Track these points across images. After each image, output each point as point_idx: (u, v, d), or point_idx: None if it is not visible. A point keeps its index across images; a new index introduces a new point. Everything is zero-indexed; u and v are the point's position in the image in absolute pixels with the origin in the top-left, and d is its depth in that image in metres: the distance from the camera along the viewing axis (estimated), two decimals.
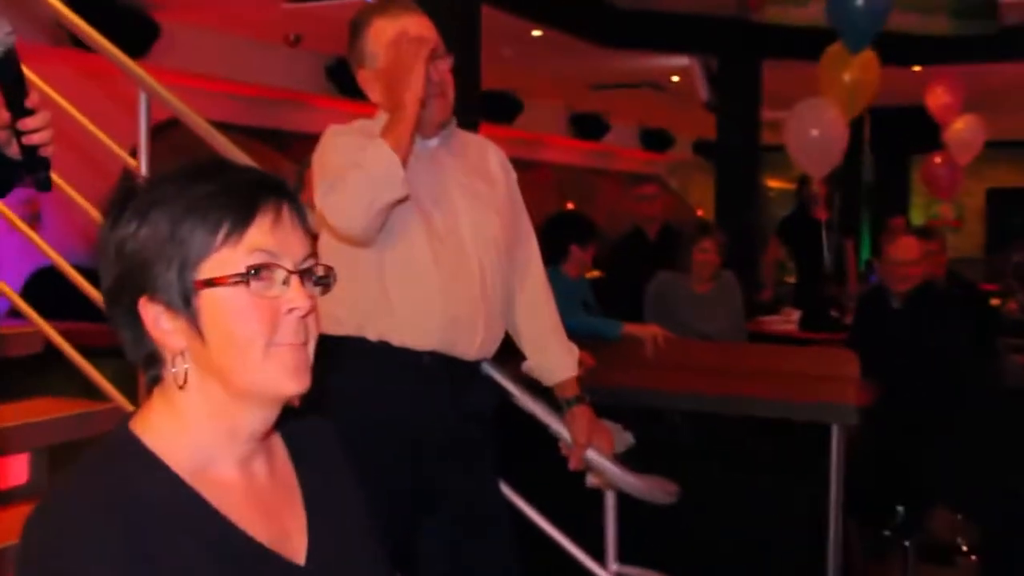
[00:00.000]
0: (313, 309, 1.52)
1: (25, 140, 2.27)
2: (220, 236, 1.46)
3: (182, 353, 1.49)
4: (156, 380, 1.55)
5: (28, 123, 2.26)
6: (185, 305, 1.46)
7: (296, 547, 1.59)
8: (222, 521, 1.49)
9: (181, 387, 1.50)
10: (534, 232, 3.20)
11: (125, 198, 1.50)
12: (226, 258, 1.46)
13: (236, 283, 1.45)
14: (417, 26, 2.91)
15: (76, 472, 1.46)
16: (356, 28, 2.98)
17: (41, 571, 1.39)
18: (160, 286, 1.46)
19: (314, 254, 1.54)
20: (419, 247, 2.82)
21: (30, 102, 2.26)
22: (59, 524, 1.39)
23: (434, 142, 2.98)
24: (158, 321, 1.48)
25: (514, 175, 3.15)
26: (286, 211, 1.51)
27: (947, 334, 5.50)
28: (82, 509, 1.39)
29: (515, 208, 3.11)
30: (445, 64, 2.93)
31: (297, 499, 1.65)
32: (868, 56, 7.79)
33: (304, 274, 1.51)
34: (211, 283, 1.46)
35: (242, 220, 1.47)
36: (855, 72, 7.78)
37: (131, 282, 1.48)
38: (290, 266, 1.49)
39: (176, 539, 1.43)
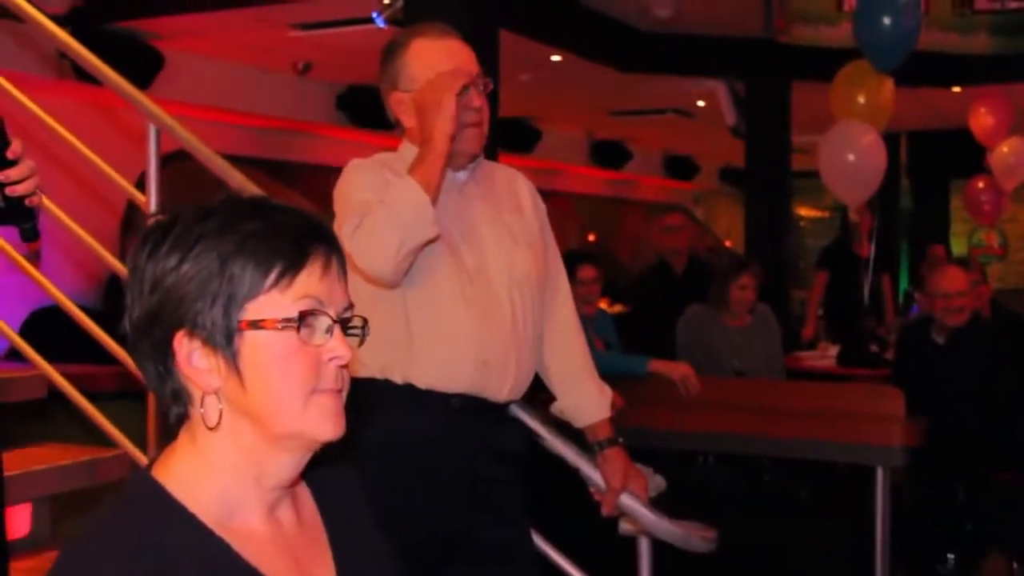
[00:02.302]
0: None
1: (8, 191, 2.29)
2: (271, 278, 1.47)
3: (215, 393, 1.49)
4: (180, 419, 1.55)
5: (10, 174, 2.28)
6: (227, 344, 1.47)
7: None
8: (250, 571, 1.50)
9: (213, 428, 1.50)
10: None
11: (165, 230, 1.50)
12: (274, 301, 1.47)
13: (284, 328, 1.47)
14: (459, 50, 2.91)
15: (97, 523, 1.46)
16: (392, 49, 2.95)
17: None
18: (201, 322, 1.47)
19: (352, 305, 1.56)
20: (446, 286, 2.80)
21: (12, 152, 2.28)
22: (80, 572, 1.39)
23: (463, 175, 2.95)
24: (192, 357, 1.48)
25: (544, 208, 3.14)
26: (335, 260, 1.53)
27: (996, 370, 5.47)
28: (105, 563, 1.39)
29: (547, 244, 3.09)
30: (483, 92, 2.92)
31: (325, 547, 1.66)
32: (884, 79, 7.75)
33: (344, 324, 1.53)
34: (257, 325, 1.47)
35: (295, 264, 1.48)
36: (872, 94, 7.75)
37: (167, 315, 1.48)
38: (334, 315, 1.51)
39: None
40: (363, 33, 7.91)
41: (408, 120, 2.93)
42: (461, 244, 2.86)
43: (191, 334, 1.47)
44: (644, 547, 3.34)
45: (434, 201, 2.70)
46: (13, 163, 2.29)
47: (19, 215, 2.36)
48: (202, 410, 1.50)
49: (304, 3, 7.65)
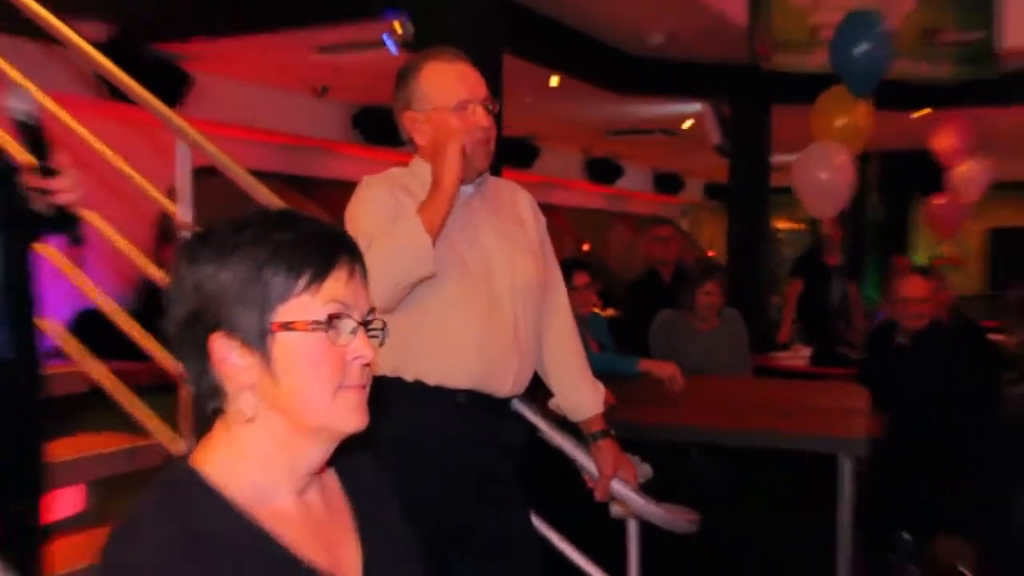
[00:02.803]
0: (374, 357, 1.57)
1: (53, 198, 2.31)
2: (302, 283, 1.50)
3: (250, 388, 1.52)
4: (216, 412, 1.58)
5: (54, 184, 2.30)
6: (261, 344, 1.50)
7: (350, 573, 1.63)
8: (282, 550, 1.52)
9: (248, 421, 1.53)
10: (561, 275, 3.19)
11: (203, 239, 1.54)
12: (304, 304, 1.51)
13: (314, 329, 1.50)
14: (468, 74, 2.92)
15: (141, 508, 1.48)
16: (406, 72, 2.96)
17: None
18: (237, 324, 1.50)
19: (373, 308, 1.59)
20: (454, 292, 2.81)
21: (57, 163, 2.30)
22: (126, 556, 1.42)
23: (469, 188, 2.95)
24: (229, 356, 1.51)
25: (544, 220, 3.14)
26: (358, 267, 1.57)
27: (953, 370, 5.51)
28: (148, 545, 1.42)
29: (546, 253, 3.09)
30: (491, 113, 2.93)
31: (350, 528, 1.68)
32: (863, 103, 7.79)
33: (366, 326, 1.56)
34: (288, 326, 1.50)
35: (323, 270, 1.51)
36: (851, 117, 7.78)
37: (206, 318, 1.51)
38: (358, 318, 1.54)
39: (240, 568, 1.46)
40: (376, 57, 7.91)
41: (420, 138, 2.94)
42: (468, 253, 2.87)
43: (228, 335, 1.50)
44: (633, 528, 3.38)
45: (435, 240, 2.72)
46: (57, 173, 2.31)
47: (65, 223, 2.38)
48: (238, 404, 1.53)
49: (322, 29, 7.66)
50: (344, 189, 4.25)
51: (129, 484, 3.63)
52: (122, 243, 3.85)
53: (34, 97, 2.28)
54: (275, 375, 1.51)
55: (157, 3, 7.40)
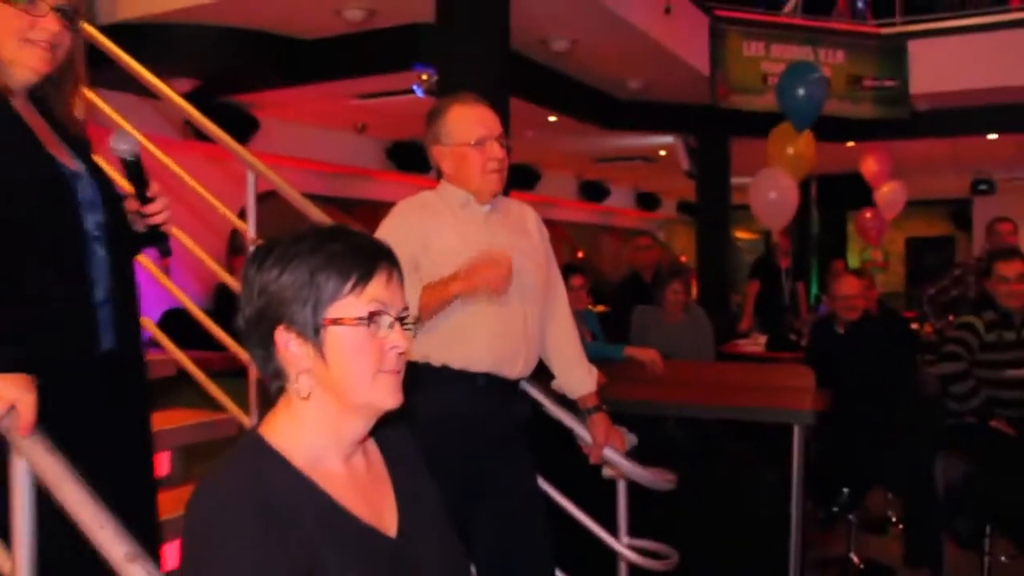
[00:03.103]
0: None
1: (148, 221, 2.34)
2: (349, 286, 1.51)
3: (307, 372, 1.53)
4: (280, 391, 1.58)
5: (150, 208, 2.33)
6: (315, 336, 1.50)
7: (388, 524, 1.63)
8: (332, 503, 1.53)
9: (305, 398, 1.53)
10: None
11: (268, 250, 1.54)
12: (350, 303, 1.51)
13: (358, 324, 1.51)
14: (487, 116, 2.91)
15: (219, 468, 1.49)
16: (435, 113, 2.95)
17: (197, 545, 1.43)
18: (296, 319, 1.51)
19: (407, 307, 1.59)
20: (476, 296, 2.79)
21: (151, 192, 2.33)
22: (207, 507, 1.43)
23: (487, 208, 2.95)
24: (289, 345, 1.52)
25: (547, 233, 3.12)
26: (395, 273, 1.57)
27: (882, 353, 5.50)
28: (224, 496, 1.43)
29: (549, 260, 3.08)
30: (504, 147, 2.93)
31: (388, 487, 1.68)
32: (806, 135, 7.81)
33: (401, 321, 1.56)
34: (337, 322, 1.50)
35: (366, 275, 1.52)
36: (797, 147, 7.79)
37: (270, 314, 1.52)
38: (395, 315, 1.55)
39: (297, 517, 1.46)
40: (406, 101, 7.93)
41: (447, 168, 2.93)
42: None
43: (288, 328, 1.52)
44: (622, 488, 3.35)
45: (424, 319, 2.71)
46: (151, 200, 2.33)
47: (157, 239, 2.40)
48: (297, 385, 1.54)
49: (362, 79, 7.69)
50: (380, 208, 4.25)
51: (207, 451, 3.63)
52: (201, 254, 3.84)
53: (135, 138, 2.29)
54: (327, 361, 1.52)
55: (230, 63, 7.44)
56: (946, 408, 5.02)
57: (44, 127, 2.19)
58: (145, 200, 2.33)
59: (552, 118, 9.46)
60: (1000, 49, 8.98)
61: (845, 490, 5.10)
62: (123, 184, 2.39)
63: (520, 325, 2.87)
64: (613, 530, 3.36)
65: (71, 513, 1.70)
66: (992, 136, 10.77)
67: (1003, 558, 5.08)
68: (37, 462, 1.76)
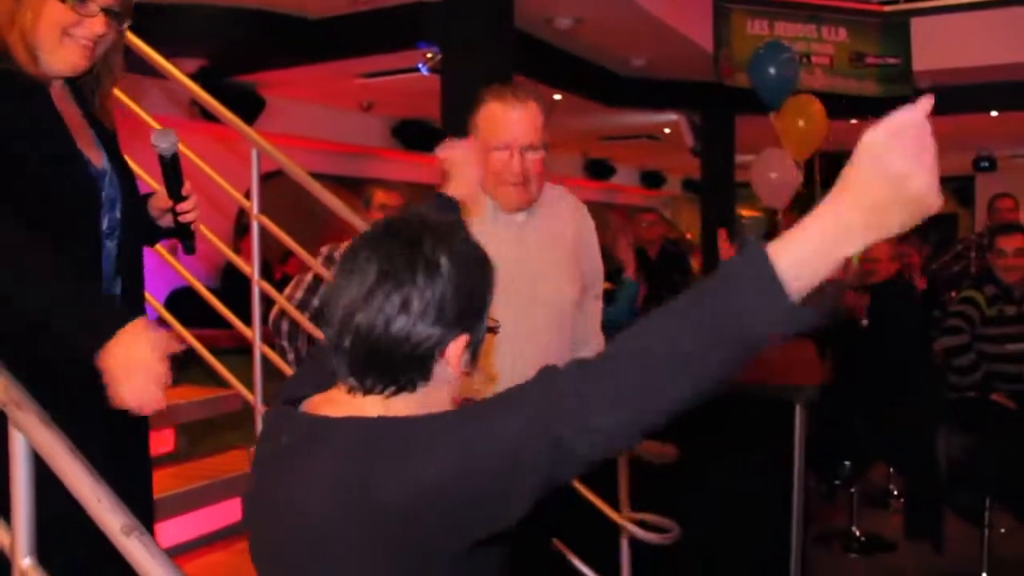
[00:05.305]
0: None
1: (181, 219, 2.36)
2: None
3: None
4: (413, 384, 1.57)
5: (184, 206, 2.35)
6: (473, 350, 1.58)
7: None
8: None
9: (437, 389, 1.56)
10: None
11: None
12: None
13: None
14: (514, 122, 2.67)
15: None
16: (476, 102, 2.74)
17: None
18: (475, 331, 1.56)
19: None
20: (504, 315, 2.67)
21: (185, 190, 2.35)
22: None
23: (521, 216, 2.77)
24: (456, 353, 1.53)
25: (591, 223, 2.94)
26: None
27: (885, 330, 5.50)
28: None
29: (587, 253, 2.90)
30: (536, 156, 2.70)
31: None
32: (817, 109, 7.83)
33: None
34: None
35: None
36: (808, 120, 7.82)
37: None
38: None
39: None
40: (412, 79, 7.91)
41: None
42: (519, 277, 2.68)
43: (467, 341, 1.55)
44: (623, 462, 3.37)
45: None
46: (186, 198, 2.36)
47: (184, 234, 2.43)
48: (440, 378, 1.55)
49: (367, 58, 7.68)
50: (384, 187, 4.21)
51: (211, 429, 3.64)
52: (208, 234, 3.84)
53: (175, 136, 2.30)
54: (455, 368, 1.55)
55: (237, 43, 7.45)
56: (948, 382, 5.03)
57: (77, 116, 2.20)
58: (180, 198, 2.35)
59: (557, 96, 9.44)
60: (1002, 26, 8.95)
61: (847, 463, 5.12)
62: (148, 181, 2.41)
63: (543, 338, 2.71)
64: (615, 504, 3.36)
65: (69, 487, 1.71)
66: (994, 113, 10.74)
67: (1002, 530, 5.10)
68: (35, 436, 1.77)
